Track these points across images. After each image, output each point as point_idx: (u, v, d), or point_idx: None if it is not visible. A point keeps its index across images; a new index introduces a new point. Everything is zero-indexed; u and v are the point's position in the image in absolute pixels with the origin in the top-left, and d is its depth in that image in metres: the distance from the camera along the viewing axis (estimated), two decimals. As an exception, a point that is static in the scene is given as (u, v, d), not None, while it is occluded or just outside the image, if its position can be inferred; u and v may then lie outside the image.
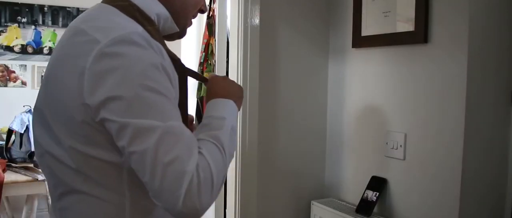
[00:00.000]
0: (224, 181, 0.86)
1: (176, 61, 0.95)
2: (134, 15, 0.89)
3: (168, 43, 1.00)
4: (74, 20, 0.93)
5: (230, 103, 0.99)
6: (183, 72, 0.96)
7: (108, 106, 0.77)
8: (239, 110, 1.04)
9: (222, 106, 0.97)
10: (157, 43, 0.84)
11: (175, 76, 0.87)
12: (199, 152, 0.81)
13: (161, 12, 0.96)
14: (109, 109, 0.77)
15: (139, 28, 0.85)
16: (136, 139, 0.76)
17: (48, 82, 0.89)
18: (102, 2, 0.94)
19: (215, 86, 1.04)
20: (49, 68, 0.91)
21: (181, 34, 1.05)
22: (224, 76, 1.09)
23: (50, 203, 0.97)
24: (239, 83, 1.96)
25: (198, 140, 0.86)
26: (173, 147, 0.77)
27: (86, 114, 0.80)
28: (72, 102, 0.81)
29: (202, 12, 1.07)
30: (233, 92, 1.03)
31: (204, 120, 0.94)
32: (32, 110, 1.00)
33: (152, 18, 0.93)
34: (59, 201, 0.90)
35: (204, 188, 0.78)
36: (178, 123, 0.81)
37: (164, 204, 0.77)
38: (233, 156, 0.93)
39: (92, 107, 0.79)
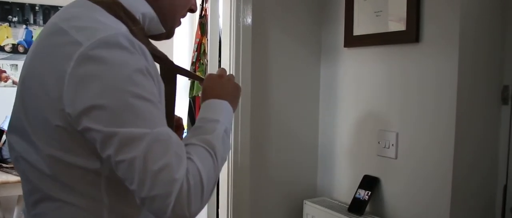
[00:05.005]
0: (215, 186, 0.83)
1: (163, 60, 0.92)
2: (118, 14, 0.84)
3: (157, 43, 0.98)
4: (53, 16, 0.87)
5: (224, 104, 0.96)
6: (172, 71, 0.92)
7: (92, 115, 0.73)
8: (234, 110, 1.00)
9: (216, 108, 0.94)
10: (140, 44, 0.80)
11: (159, 78, 0.84)
12: (190, 158, 0.79)
13: (147, 12, 0.91)
14: (93, 118, 0.73)
15: (123, 28, 0.81)
16: (124, 148, 0.73)
17: (24, 85, 0.85)
18: None
19: (209, 86, 1.00)
20: (25, 69, 0.86)
21: (168, 35, 1.00)
22: (220, 74, 1.03)
23: (24, 209, 0.92)
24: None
25: (190, 144, 0.83)
26: (162, 154, 0.74)
27: (65, 120, 0.76)
28: (49, 106, 0.77)
29: (192, 11, 1.03)
30: (228, 92, 0.99)
31: (197, 122, 0.92)
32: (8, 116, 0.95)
33: (137, 17, 0.89)
34: (34, 208, 0.86)
35: (194, 195, 0.76)
36: (165, 128, 0.78)
37: (153, 212, 0.75)
38: (225, 159, 0.90)
39: (73, 115, 0.75)
